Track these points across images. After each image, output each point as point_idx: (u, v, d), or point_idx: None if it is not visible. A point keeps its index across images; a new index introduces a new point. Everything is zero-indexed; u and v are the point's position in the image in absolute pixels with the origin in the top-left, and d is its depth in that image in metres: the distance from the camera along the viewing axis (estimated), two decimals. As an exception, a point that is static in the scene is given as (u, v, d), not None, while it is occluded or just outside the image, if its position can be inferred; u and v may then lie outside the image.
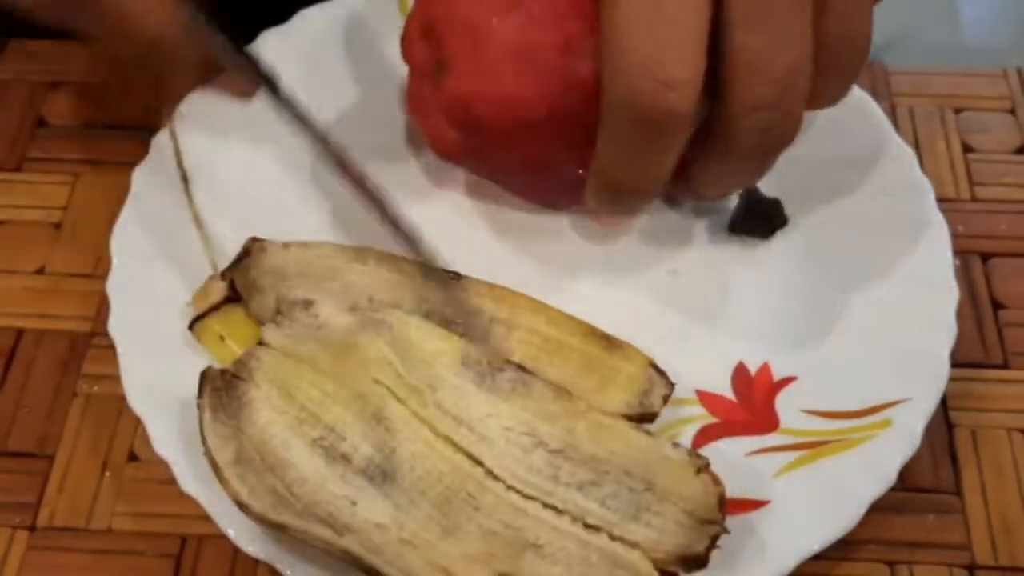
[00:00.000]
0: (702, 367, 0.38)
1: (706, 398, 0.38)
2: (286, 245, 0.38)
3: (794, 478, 0.35)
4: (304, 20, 0.46)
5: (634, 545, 0.32)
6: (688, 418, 0.37)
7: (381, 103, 0.45)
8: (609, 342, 0.36)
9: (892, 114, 0.46)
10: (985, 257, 0.43)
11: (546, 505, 0.32)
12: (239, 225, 0.40)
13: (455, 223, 0.42)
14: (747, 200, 0.41)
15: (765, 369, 0.38)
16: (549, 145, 0.36)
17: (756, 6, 0.29)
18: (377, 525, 0.32)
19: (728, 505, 0.32)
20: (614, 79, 0.30)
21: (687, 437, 0.37)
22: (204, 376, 0.34)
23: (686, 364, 0.37)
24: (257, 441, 0.33)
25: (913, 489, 0.37)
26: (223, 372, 0.35)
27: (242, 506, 0.32)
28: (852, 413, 0.36)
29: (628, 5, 0.30)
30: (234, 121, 0.43)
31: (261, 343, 0.36)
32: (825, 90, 0.33)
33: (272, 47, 0.44)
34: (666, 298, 0.40)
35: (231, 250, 0.38)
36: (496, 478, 0.33)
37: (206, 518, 0.34)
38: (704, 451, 0.36)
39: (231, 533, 0.33)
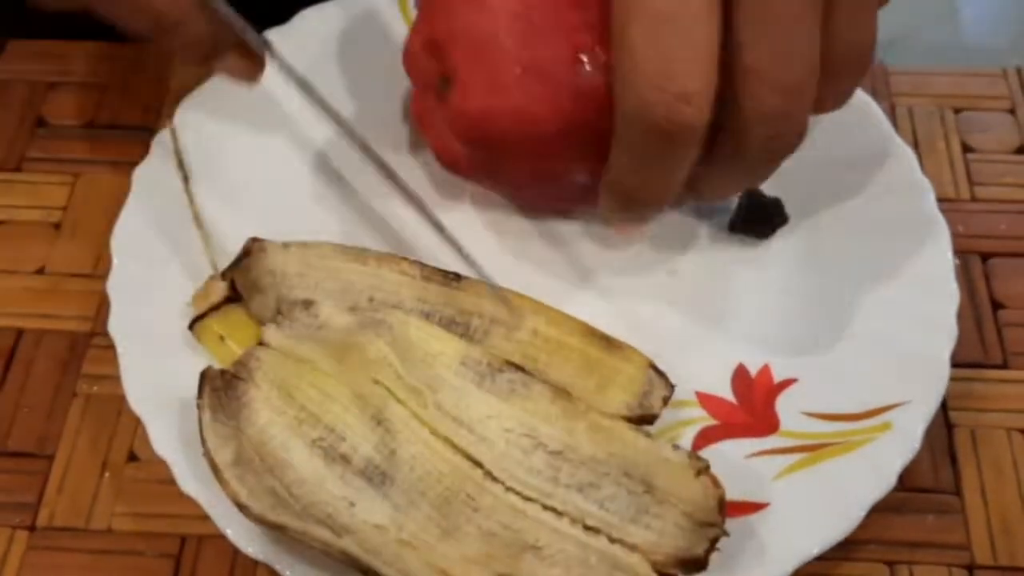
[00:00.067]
0: (702, 369, 0.38)
1: (706, 400, 0.38)
2: (286, 245, 0.38)
3: (794, 481, 0.35)
4: (305, 20, 0.46)
5: (633, 547, 0.32)
6: (688, 420, 0.37)
7: (384, 104, 0.45)
8: (609, 343, 0.36)
9: (892, 114, 0.46)
10: (985, 257, 0.43)
11: (545, 507, 0.32)
12: (240, 225, 0.40)
13: (454, 226, 0.42)
14: (747, 200, 0.41)
15: (765, 371, 0.38)
16: (560, 156, 0.36)
17: (764, 16, 0.29)
18: (376, 526, 0.32)
19: (728, 507, 0.32)
20: (627, 93, 0.30)
21: (687, 439, 0.37)
22: (204, 376, 0.34)
23: (686, 365, 0.37)
24: (256, 442, 0.33)
25: (913, 489, 0.37)
26: (223, 372, 0.35)
27: (241, 507, 0.32)
28: (852, 415, 0.36)
29: (640, 19, 0.29)
30: (235, 120, 0.43)
31: (261, 343, 0.36)
32: (830, 95, 0.33)
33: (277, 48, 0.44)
34: (666, 299, 0.40)
35: (231, 250, 0.38)
36: (495, 479, 0.33)
37: (206, 518, 0.34)
38: (704, 453, 0.36)
39: (229, 533, 0.33)
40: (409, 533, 0.32)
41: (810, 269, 0.41)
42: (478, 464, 0.33)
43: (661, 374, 0.36)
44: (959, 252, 0.42)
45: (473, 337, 0.37)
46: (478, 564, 0.31)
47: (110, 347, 0.37)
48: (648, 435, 0.33)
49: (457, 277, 0.38)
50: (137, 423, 0.37)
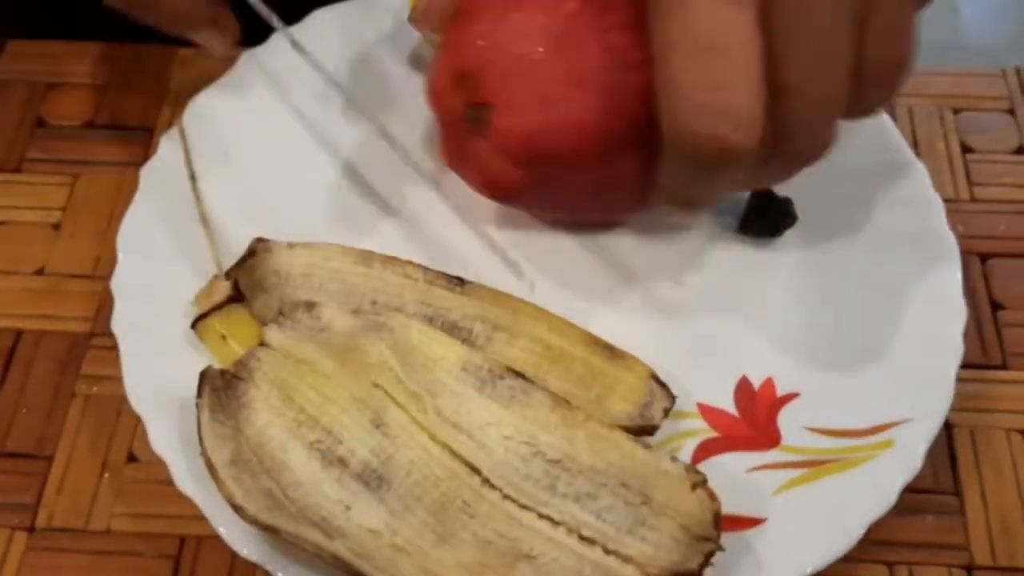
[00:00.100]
0: (705, 380, 0.38)
1: (708, 412, 0.37)
2: (291, 246, 0.38)
3: (794, 496, 0.35)
4: (317, 21, 0.46)
5: (628, 559, 0.31)
6: (689, 431, 0.37)
7: (400, 100, 0.45)
8: (611, 352, 0.36)
9: (892, 114, 0.46)
10: (984, 258, 0.43)
11: (542, 515, 0.32)
12: (245, 225, 0.40)
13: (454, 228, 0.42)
14: (757, 198, 0.41)
15: (769, 384, 0.38)
16: (615, 158, 0.35)
17: (799, 32, 0.29)
18: (370, 531, 0.32)
19: (725, 522, 0.32)
20: (676, 121, 0.29)
21: (687, 451, 0.36)
22: (204, 376, 0.34)
23: (688, 377, 0.37)
24: (255, 442, 0.33)
25: (912, 489, 0.37)
26: (223, 372, 0.35)
27: (236, 508, 0.32)
28: (855, 432, 0.36)
29: (681, 48, 0.29)
30: (244, 121, 0.43)
31: (263, 344, 0.36)
32: (860, 106, 0.32)
33: (285, 48, 0.43)
34: (670, 310, 0.40)
35: (236, 250, 0.38)
36: (493, 486, 0.33)
37: (205, 519, 0.34)
38: (704, 466, 0.35)
39: (224, 533, 0.33)
40: (403, 538, 0.32)
41: (817, 283, 0.40)
42: (476, 471, 0.33)
43: (663, 385, 0.36)
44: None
45: (475, 343, 0.36)
46: (472, 571, 0.31)
47: (110, 348, 0.37)
48: (647, 446, 0.33)
49: (461, 282, 0.38)
50: (137, 424, 0.37)
